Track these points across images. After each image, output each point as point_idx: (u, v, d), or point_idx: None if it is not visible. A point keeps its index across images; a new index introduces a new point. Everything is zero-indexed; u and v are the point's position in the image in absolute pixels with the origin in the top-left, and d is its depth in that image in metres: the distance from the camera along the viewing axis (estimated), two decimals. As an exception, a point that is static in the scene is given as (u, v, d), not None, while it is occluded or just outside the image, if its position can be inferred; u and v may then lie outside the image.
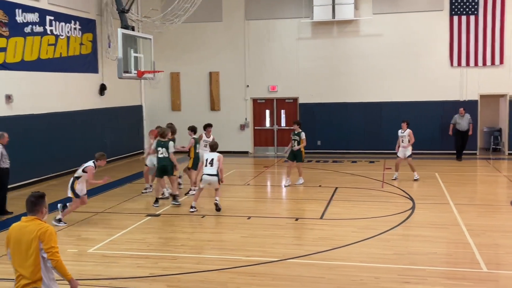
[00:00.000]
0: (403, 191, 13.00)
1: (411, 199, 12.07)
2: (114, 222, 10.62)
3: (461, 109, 18.40)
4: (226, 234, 9.61)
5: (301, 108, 20.92)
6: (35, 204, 4.60)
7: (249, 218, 10.68)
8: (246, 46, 20.99)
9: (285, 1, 20.46)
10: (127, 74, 14.20)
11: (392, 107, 19.82)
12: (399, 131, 14.69)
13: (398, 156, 14.64)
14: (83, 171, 10.27)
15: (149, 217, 10.93)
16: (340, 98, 20.33)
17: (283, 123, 21.55)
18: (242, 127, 21.31)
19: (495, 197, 12.72)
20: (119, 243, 9.13)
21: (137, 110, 21.68)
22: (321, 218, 10.66)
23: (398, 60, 19.69)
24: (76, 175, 10.37)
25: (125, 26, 14.79)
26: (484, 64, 18.98)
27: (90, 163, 10.34)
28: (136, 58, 14.68)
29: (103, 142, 18.59)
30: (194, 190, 12.71)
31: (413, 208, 11.23)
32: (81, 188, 10.38)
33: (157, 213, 11.29)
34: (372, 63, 19.90)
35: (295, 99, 21.09)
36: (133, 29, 15.14)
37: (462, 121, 18.26)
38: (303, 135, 14.17)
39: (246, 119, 21.43)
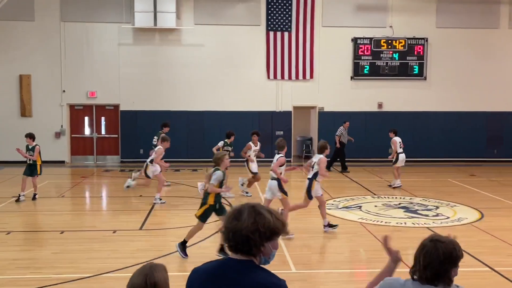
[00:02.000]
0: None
1: (230, 205, 12.49)
2: None
3: (347, 122, 18.53)
4: (34, 252, 8.89)
5: (122, 115, 20.40)
6: None
7: (62, 232, 10.04)
8: (62, 49, 19.83)
9: (104, 4, 19.81)
10: None
11: (215, 116, 20.38)
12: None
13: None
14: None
15: None
16: (164, 106, 20.29)
17: (103, 131, 20.77)
18: (58, 134, 20.05)
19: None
20: None
21: None
22: (140, 229, 10.46)
23: (219, 70, 20.33)
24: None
25: None
26: (297, 78, 20.56)
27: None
28: None
29: None
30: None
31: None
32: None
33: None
34: (195, 72, 20.25)
35: (116, 106, 20.50)
36: None
37: (346, 134, 18.60)
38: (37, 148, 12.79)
39: (62, 126, 20.20)
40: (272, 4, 20.19)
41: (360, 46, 20.61)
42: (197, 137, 20.41)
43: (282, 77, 20.55)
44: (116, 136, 20.70)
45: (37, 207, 12.47)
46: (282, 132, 20.62)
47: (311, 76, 20.61)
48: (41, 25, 19.67)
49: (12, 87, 19.84)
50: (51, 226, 10.63)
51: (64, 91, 20.01)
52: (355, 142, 19.27)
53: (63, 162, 20.23)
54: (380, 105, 20.99)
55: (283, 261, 8.32)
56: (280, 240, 9.27)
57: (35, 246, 9.21)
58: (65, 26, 19.79)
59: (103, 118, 20.73)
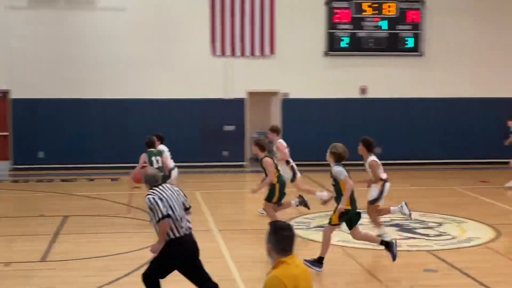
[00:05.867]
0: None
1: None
2: None
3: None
4: None
5: (15, 106, 19.97)
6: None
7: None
8: None
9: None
10: None
11: (141, 106, 20.21)
12: None
13: None
14: None
15: None
16: (72, 92, 19.99)
17: (-13, 128, 20.29)
18: None
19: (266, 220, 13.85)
20: None
21: None
22: (42, 260, 10.30)
23: (147, 45, 20.17)
24: None
25: None
26: (252, 54, 20.64)
27: None
28: None
29: None
30: None
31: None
32: None
33: None
34: (113, 47, 20.03)
35: (5, 93, 20.05)
36: None
37: None
38: None
39: None
40: (218, -46, 20.24)
41: (336, 11, 20.85)
42: (117, 135, 20.18)
43: (233, 53, 20.59)
44: (6, 134, 20.26)
45: None
46: (233, 127, 20.67)
47: (271, 51, 20.75)
48: None
49: None
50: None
51: None
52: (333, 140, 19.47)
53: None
54: (363, 90, 21.36)
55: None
56: (235, 273, 9.32)
57: None
58: None
59: (-16, 110, 20.27)
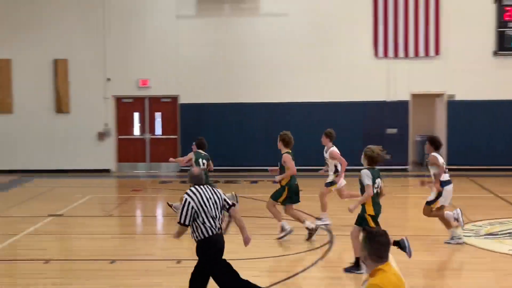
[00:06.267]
0: (318, 219, 13.36)
1: (329, 230, 12.45)
2: None
3: None
4: (78, 286, 9.29)
5: (182, 110, 20.91)
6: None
7: (112, 262, 10.43)
8: (106, 25, 20.65)
9: (159, -35, 20.49)
10: None
11: (302, 109, 20.42)
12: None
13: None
14: None
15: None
16: (235, 97, 20.61)
17: (158, 131, 21.39)
18: (101, 136, 20.88)
19: (432, 225, 13.47)
20: None
21: None
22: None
23: (309, 48, 20.34)
24: None
25: None
26: (416, 55, 20.20)
27: None
28: None
29: None
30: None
31: (331, 242, 11.59)
32: None
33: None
34: (276, 51, 20.40)
35: (175, 98, 21.03)
36: None
37: None
38: None
39: (106, 125, 21.03)
40: (381, -45, 20.03)
41: (507, 8, 19.97)
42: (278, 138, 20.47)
43: (396, 55, 20.28)
44: (175, 137, 21.23)
45: (80, 228, 13.02)
46: (396, 130, 20.35)
47: (437, 52, 20.21)
48: (80, -5, 20.63)
49: (45, 76, 20.88)
50: (98, 253, 11.05)
51: (108, 79, 20.83)
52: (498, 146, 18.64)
53: (107, 170, 21.01)
54: (537, 92, 20.20)
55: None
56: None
57: (80, 279, 9.61)
58: (110, -4, 20.62)
59: (158, 114, 21.36)
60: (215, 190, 7.85)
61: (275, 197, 11.99)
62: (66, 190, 14.54)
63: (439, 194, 11.05)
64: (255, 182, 19.02)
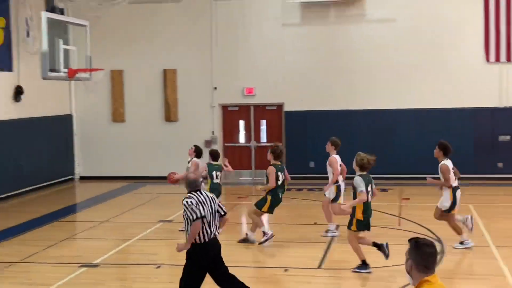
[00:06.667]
0: (428, 229, 13.10)
1: (439, 240, 12.18)
2: (35, 276, 10.49)
3: None
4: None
5: (287, 117, 21.02)
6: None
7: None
8: (213, 35, 21.06)
9: (265, -26, 20.74)
10: (54, 74, 14.10)
11: (409, 116, 20.08)
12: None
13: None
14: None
15: (85, 268, 10.79)
16: (340, 104, 20.51)
17: (263, 138, 21.60)
18: (208, 143, 21.29)
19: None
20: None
21: (65, 122, 21.51)
22: (319, 267, 10.65)
23: (417, 53, 19.94)
24: None
25: (51, 8, 14.71)
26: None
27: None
28: (66, 51, 14.59)
29: (17, 164, 18.36)
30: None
31: (442, 253, 11.32)
32: None
33: (95, 262, 11.17)
34: (382, 57, 20.13)
35: (280, 106, 21.19)
36: (62, 12, 15.08)
37: None
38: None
39: (213, 133, 21.43)
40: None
41: None
42: (385, 145, 20.22)
43: (508, 59, 19.56)
44: (280, 144, 21.31)
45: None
46: (508, 137, 19.62)
47: (551, 56, 19.35)
48: (188, 5, 21.13)
49: (155, 85, 21.55)
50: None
51: (215, 88, 21.23)
52: None
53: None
54: None
55: None
56: None
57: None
58: (217, 6, 21.00)
59: (262, 122, 21.57)
60: (211, 196, 8.08)
61: (258, 205, 12.20)
62: (174, 196, 14.86)
63: (453, 202, 11.42)
64: (384, 190, 18.76)
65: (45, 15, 14.09)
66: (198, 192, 8.00)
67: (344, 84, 20.49)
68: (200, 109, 21.38)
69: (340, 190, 13.03)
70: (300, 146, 20.91)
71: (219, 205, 8.10)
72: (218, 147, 21.44)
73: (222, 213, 8.12)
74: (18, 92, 18.47)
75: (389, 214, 15.11)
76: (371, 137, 20.21)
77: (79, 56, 15.22)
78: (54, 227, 14.39)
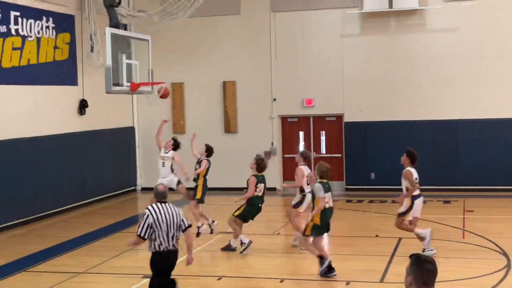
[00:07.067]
0: (493, 242, 12.84)
1: (505, 254, 11.92)
2: (99, 287, 10.67)
3: None
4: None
5: (347, 128, 20.94)
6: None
7: (282, 281, 10.66)
8: (272, 47, 21.18)
9: (324, -14, 20.74)
10: (117, 88, 14.37)
11: (472, 126, 19.73)
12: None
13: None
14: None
15: (148, 279, 10.94)
16: (401, 114, 20.32)
17: (322, 149, 21.54)
18: (268, 155, 21.34)
19: None
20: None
21: (127, 134, 21.94)
22: (381, 281, 10.58)
23: (479, 63, 19.61)
24: None
25: (115, 24, 15.04)
26: None
27: None
28: (128, 65, 14.87)
29: (81, 176, 18.77)
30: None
31: (508, 266, 11.07)
32: None
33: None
34: (444, 67, 19.87)
35: (339, 117, 21.13)
36: (125, 27, 15.39)
37: None
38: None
39: (272, 144, 21.51)
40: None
41: None
42: (448, 156, 19.93)
43: None
44: (339, 156, 21.28)
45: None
46: None
47: None
48: (248, 18, 21.31)
49: (215, 97, 21.78)
50: (268, 272, 11.32)
51: (275, 99, 21.32)
52: None
53: (273, 189, 21.40)
54: None
55: None
56: None
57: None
58: (276, 18, 21.12)
59: (322, 133, 21.53)
60: (175, 209, 8.36)
61: (234, 212, 12.85)
62: (234, 207, 14.87)
63: (410, 207, 11.75)
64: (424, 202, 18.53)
65: (109, 30, 14.38)
66: (162, 204, 8.34)
67: (405, 94, 20.29)
68: (259, 121, 21.49)
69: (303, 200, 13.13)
70: (360, 157, 20.78)
71: (182, 220, 8.37)
72: (277, 158, 21.53)
73: (184, 228, 8.41)
74: (82, 106, 18.94)
75: (452, 226, 14.84)
76: (433, 148, 19.93)
77: (140, 70, 15.49)
78: (117, 238, 14.63)
